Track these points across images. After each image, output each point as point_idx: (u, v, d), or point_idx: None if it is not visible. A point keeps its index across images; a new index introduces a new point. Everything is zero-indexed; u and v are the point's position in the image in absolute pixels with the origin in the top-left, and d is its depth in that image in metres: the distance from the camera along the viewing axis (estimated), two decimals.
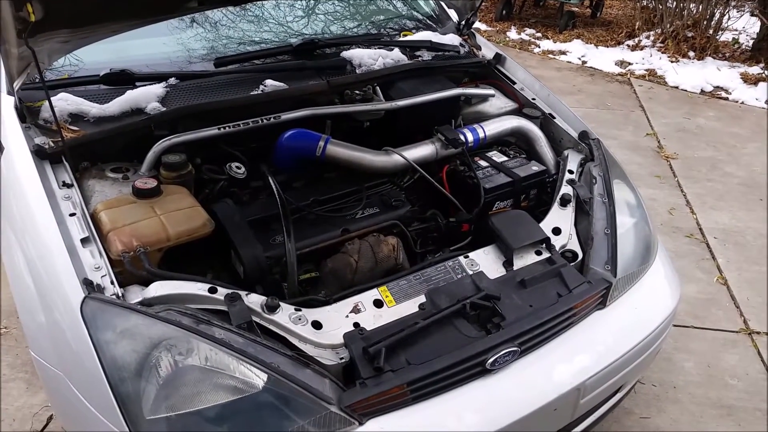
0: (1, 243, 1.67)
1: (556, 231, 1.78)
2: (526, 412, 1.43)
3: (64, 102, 1.70)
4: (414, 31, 2.51)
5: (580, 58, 6.23)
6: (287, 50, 2.13)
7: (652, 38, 6.54)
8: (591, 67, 6.00)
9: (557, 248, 1.73)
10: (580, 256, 1.74)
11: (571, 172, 1.98)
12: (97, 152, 1.70)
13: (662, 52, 6.24)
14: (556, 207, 1.85)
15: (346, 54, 2.16)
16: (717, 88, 5.53)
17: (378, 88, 2.18)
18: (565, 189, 1.90)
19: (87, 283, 1.31)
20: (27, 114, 1.69)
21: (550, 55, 6.35)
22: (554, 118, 2.20)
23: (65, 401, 1.34)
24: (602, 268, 1.70)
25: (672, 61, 6.03)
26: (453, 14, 2.65)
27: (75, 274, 1.32)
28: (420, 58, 2.27)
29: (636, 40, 6.60)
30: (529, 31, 7.05)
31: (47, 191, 1.48)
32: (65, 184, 1.53)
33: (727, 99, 5.34)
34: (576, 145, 2.10)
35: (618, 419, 2.18)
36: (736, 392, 2.36)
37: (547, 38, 6.82)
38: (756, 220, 3.49)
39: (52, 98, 1.60)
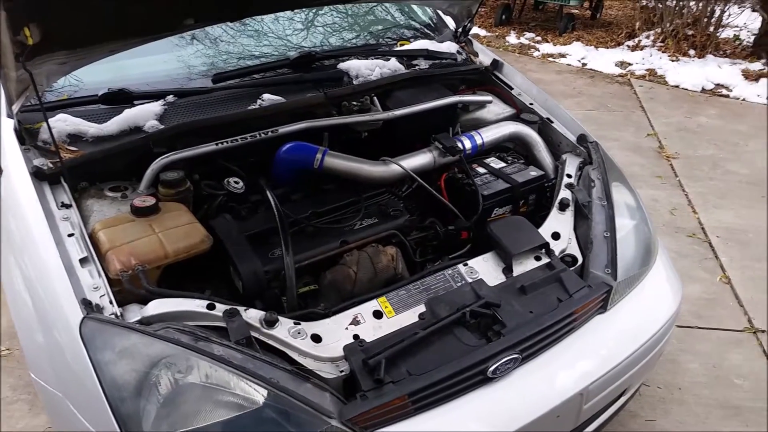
0: (0, 265, 1.68)
1: (556, 236, 1.78)
2: (529, 419, 1.43)
3: (63, 123, 1.72)
4: (411, 40, 2.52)
5: (580, 60, 6.22)
6: (285, 64, 2.14)
7: (652, 38, 6.53)
8: (591, 69, 6.00)
9: (557, 253, 1.73)
10: (580, 260, 1.74)
11: (569, 176, 1.98)
12: (95, 172, 1.71)
13: (662, 52, 6.23)
14: (554, 212, 1.85)
15: (343, 65, 2.17)
16: (718, 85, 5.52)
17: (375, 98, 2.19)
18: (564, 193, 1.90)
19: (86, 303, 1.32)
20: (26, 136, 1.70)
21: (550, 59, 6.35)
22: (552, 122, 2.20)
23: (66, 423, 1.34)
24: (602, 271, 1.69)
25: (672, 60, 6.02)
26: (450, 21, 2.66)
27: (74, 295, 1.33)
28: (417, 67, 2.28)
29: (636, 40, 6.60)
30: (528, 35, 7.06)
31: (46, 212, 1.49)
32: (64, 205, 1.54)
33: (728, 96, 5.33)
34: (574, 149, 2.10)
35: (623, 423, 2.17)
36: (742, 392, 2.34)
37: (547, 41, 6.83)
38: (759, 218, 3.47)
39: (50, 119, 1.62)
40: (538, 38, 6.96)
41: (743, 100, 5.23)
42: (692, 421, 2.22)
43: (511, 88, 2.37)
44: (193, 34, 2.22)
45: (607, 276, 1.68)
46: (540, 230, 1.77)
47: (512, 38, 6.98)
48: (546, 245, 1.72)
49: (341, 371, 1.37)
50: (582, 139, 2.11)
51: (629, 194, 2.00)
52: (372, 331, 1.46)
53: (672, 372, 2.41)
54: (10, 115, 1.73)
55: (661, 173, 3.95)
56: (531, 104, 2.29)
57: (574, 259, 1.74)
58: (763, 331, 2.63)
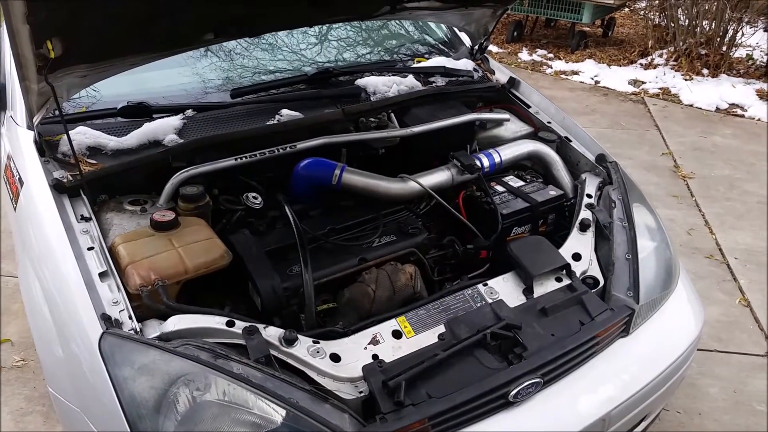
0: (18, 276, 1.67)
1: (576, 257, 1.76)
2: None
3: (82, 135, 1.72)
4: (427, 56, 2.52)
5: (592, 78, 6.22)
6: (302, 79, 2.15)
7: (665, 56, 6.51)
8: (604, 87, 5.99)
9: (578, 274, 1.70)
10: (602, 282, 1.71)
11: (589, 196, 1.96)
12: (115, 185, 1.71)
13: (676, 70, 6.22)
14: (575, 232, 1.83)
15: (360, 82, 2.17)
16: (732, 105, 5.49)
17: (393, 114, 2.19)
18: (584, 213, 1.88)
19: (105, 318, 1.31)
20: (46, 148, 1.71)
21: (563, 76, 6.35)
22: (570, 141, 2.19)
23: None
24: (624, 294, 1.67)
25: (686, 79, 5.99)
26: (465, 39, 2.67)
27: (93, 309, 1.32)
28: (434, 84, 2.28)
29: (649, 58, 6.58)
30: (540, 51, 7.06)
31: (66, 225, 1.49)
32: (83, 218, 1.53)
33: (743, 116, 5.30)
34: (593, 169, 2.08)
35: None
36: (764, 418, 2.29)
37: (559, 59, 6.83)
38: None
39: (70, 132, 1.62)
40: (551, 55, 6.96)
41: (758, 120, 5.20)
42: None
43: (529, 107, 2.36)
44: (207, 47, 2.23)
45: (630, 299, 1.65)
46: (560, 251, 1.75)
47: (524, 55, 6.98)
48: (567, 266, 1.69)
49: (360, 392, 1.35)
50: (601, 158, 2.09)
51: (650, 215, 1.98)
52: (391, 351, 1.44)
53: (692, 396, 2.36)
54: (30, 127, 1.74)
55: (677, 193, 3.91)
56: (549, 122, 2.28)
57: (596, 281, 1.71)
58: None
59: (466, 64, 2.44)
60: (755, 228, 3.53)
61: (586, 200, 1.94)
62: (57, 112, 1.56)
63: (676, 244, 3.25)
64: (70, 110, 1.85)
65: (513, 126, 2.29)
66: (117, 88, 1.90)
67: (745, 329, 2.73)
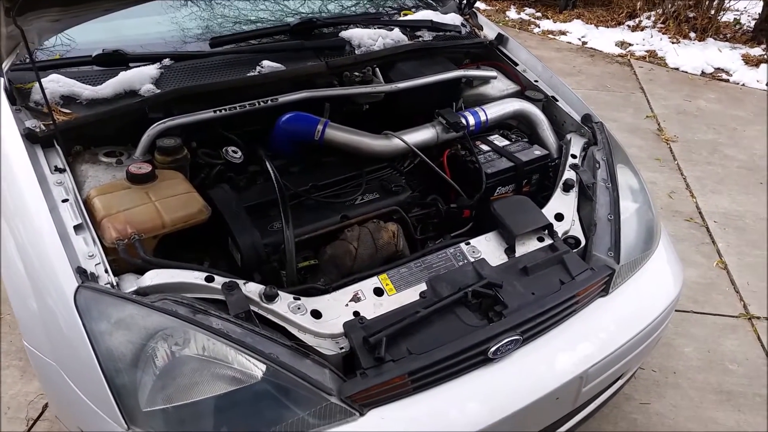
0: None
1: (559, 217, 1.75)
2: (528, 401, 1.41)
3: (56, 84, 1.65)
4: (414, 10, 2.45)
5: (580, 39, 6.15)
6: (285, 30, 2.08)
7: (653, 18, 6.45)
8: (591, 48, 5.93)
9: (560, 234, 1.70)
10: (583, 242, 1.71)
11: (574, 156, 1.94)
12: (89, 135, 1.65)
13: (663, 33, 6.17)
14: (558, 192, 1.82)
15: (345, 34, 2.10)
16: (718, 69, 5.47)
17: (378, 69, 2.13)
18: (568, 174, 1.87)
19: (80, 272, 1.28)
20: (17, 96, 1.64)
21: (550, 36, 6.27)
22: (557, 101, 2.16)
23: (59, 392, 1.31)
24: (605, 254, 1.67)
25: (673, 42, 5.95)
26: None
27: (68, 263, 1.29)
28: (421, 39, 2.22)
29: (637, 20, 6.52)
30: (528, 10, 6.95)
31: (39, 176, 1.44)
32: (57, 169, 1.49)
33: (728, 81, 5.29)
34: (579, 129, 2.07)
35: (618, 405, 2.17)
36: (735, 378, 2.35)
37: (547, 18, 6.73)
38: (756, 204, 3.47)
39: (42, 80, 1.56)
40: (539, 14, 6.86)
41: (743, 85, 5.20)
42: (686, 404, 2.23)
43: (516, 64, 2.32)
44: None
45: (610, 259, 1.66)
46: (543, 211, 1.74)
47: (512, 13, 6.87)
48: (549, 226, 1.69)
49: (341, 348, 1.35)
50: (587, 118, 2.07)
51: (633, 177, 1.97)
52: (372, 308, 1.44)
53: (667, 356, 2.42)
54: None
55: (660, 156, 3.93)
56: (536, 81, 2.25)
57: (577, 241, 1.72)
58: (758, 318, 2.64)
59: (453, 18, 2.38)
60: (734, 192, 3.57)
61: (570, 161, 1.92)
62: (28, 59, 1.49)
63: (658, 206, 3.27)
64: (43, 58, 1.78)
65: (500, 84, 2.26)
66: (92, 35, 1.82)
67: (721, 291, 2.79)
